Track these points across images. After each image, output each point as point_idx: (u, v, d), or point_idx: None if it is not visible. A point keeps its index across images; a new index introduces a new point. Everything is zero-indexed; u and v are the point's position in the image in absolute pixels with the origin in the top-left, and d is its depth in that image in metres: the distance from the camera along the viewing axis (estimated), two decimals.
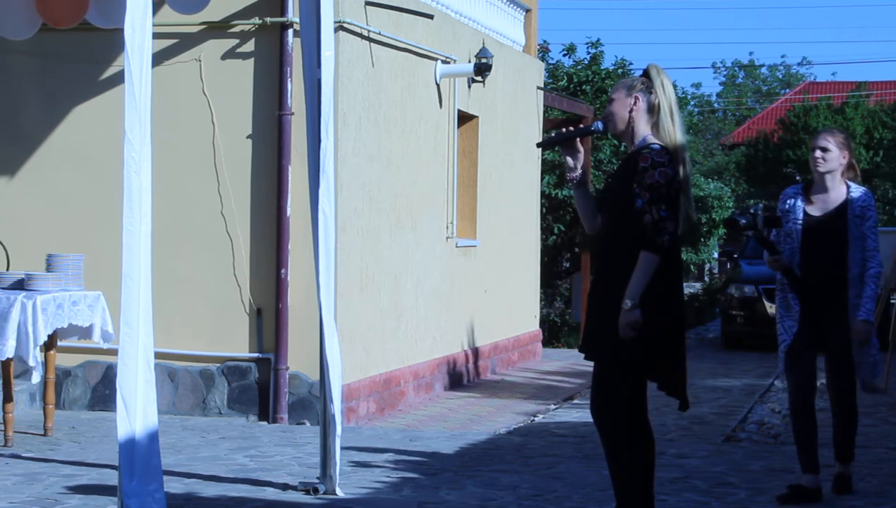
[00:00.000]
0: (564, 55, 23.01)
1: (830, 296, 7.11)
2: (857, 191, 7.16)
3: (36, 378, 8.71)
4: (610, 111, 5.66)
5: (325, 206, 7.16)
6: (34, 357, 8.46)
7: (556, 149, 6.13)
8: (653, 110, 5.59)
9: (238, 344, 10.18)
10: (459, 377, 13.16)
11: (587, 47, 22.26)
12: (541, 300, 17.18)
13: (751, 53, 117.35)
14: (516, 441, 9.44)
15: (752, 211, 7.13)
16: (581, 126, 5.97)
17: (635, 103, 5.59)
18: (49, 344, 9.00)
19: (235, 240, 10.16)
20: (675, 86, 5.72)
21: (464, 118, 13.43)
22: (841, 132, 7.31)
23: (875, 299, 7.13)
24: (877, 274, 7.08)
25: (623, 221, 5.51)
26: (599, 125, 5.79)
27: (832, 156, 7.13)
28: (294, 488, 7.28)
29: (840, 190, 7.16)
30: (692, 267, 32.51)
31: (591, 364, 5.65)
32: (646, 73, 5.65)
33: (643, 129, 5.59)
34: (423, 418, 10.96)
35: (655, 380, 5.58)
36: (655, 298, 5.43)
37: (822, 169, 7.15)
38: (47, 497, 6.95)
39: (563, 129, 5.81)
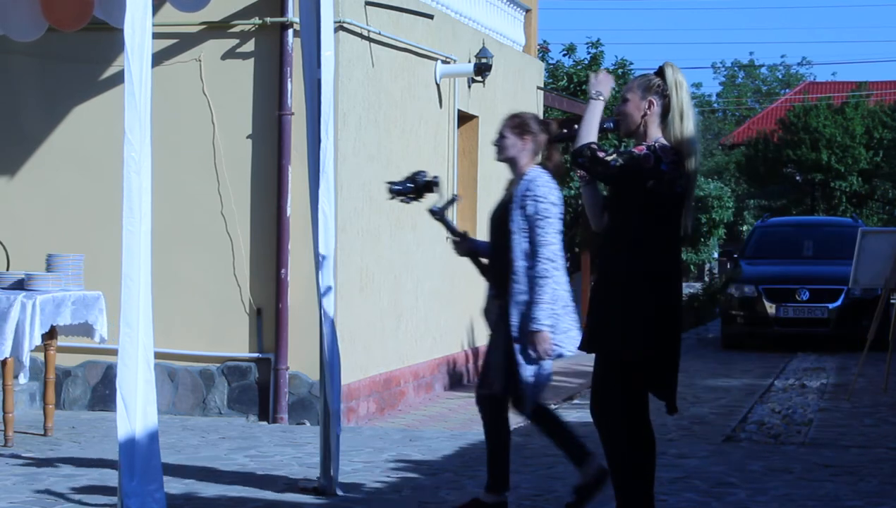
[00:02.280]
0: (564, 55, 23.02)
1: (498, 291, 6.62)
2: (531, 175, 6.59)
3: (23, 379, 8.71)
4: (622, 111, 5.62)
5: (325, 206, 7.16)
6: (27, 357, 8.47)
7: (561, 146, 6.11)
8: (666, 112, 5.56)
9: (238, 344, 10.18)
10: (459, 377, 13.16)
11: (587, 47, 22.31)
12: None
13: (751, 53, 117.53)
14: (516, 442, 9.41)
15: (414, 173, 6.58)
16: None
17: (649, 107, 5.56)
18: (49, 344, 9.00)
19: (235, 240, 10.16)
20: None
21: (464, 118, 13.42)
22: (521, 116, 6.76)
23: (548, 304, 6.38)
24: (543, 273, 6.40)
25: (625, 220, 5.50)
26: (611, 123, 5.77)
27: (508, 143, 6.67)
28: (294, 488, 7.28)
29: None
30: (692, 267, 32.50)
31: (592, 364, 5.65)
32: (661, 73, 5.61)
33: (655, 132, 5.57)
34: (423, 418, 10.96)
35: (651, 382, 5.54)
36: (655, 299, 5.43)
37: (498, 157, 6.72)
38: (47, 497, 6.95)
39: (576, 126, 5.76)
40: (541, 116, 16.34)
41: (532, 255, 6.44)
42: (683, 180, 5.51)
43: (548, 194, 6.52)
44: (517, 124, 6.70)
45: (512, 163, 6.69)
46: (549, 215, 6.48)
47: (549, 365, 6.54)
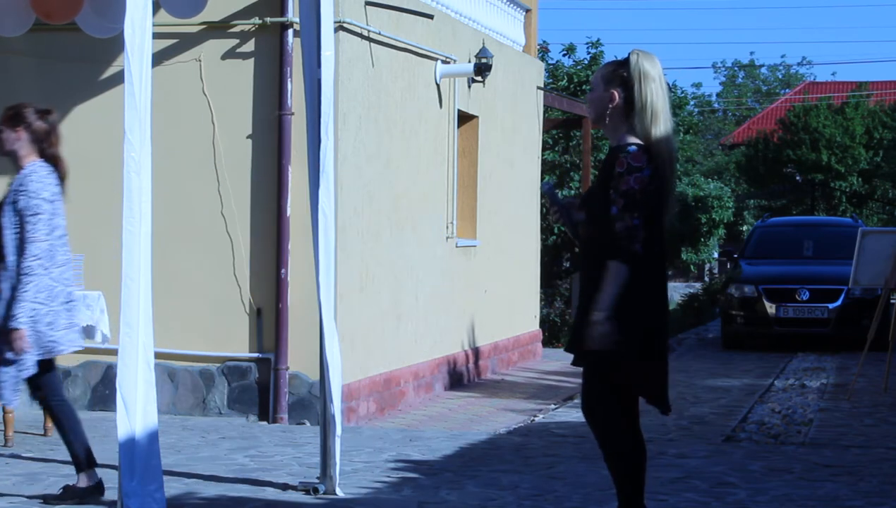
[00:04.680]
0: (564, 55, 23.04)
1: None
2: (28, 169, 6.57)
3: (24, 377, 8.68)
4: (590, 99, 5.44)
5: (325, 206, 7.16)
6: None
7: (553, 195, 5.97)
8: (631, 104, 5.28)
9: (238, 344, 10.18)
10: (459, 377, 13.16)
11: (587, 47, 22.32)
12: (541, 300, 17.18)
13: (751, 53, 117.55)
14: (516, 441, 9.44)
15: None
16: (553, 192, 5.77)
17: (611, 101, 5.31)
18: None
19: (235, 240, 10.15)
20: (669, 84, 5.43)
21: (464, 118, 13.43)
22: (13, 107, 6.67)
23: (30, 302, 6.36)
24: (27, 271, 6.39)
25: (606, 223, 5.31)
26: (547, 187, 5.69)
27: (3, 137, 6.59)
28: (294, 488, 7.28)
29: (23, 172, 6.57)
30: (692, 267, 32.49)
31: None
32: (625, 61, 5.32)
33: (620, 126, 5.33)
34: (423, 418, 10.96)
35: (636, 385, 5.46)
36: (638, 300, 5.34)
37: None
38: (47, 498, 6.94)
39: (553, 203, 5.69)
40: (541, 116, 16.41)
41: (20, 252, 6.47)
42: (664, 172, 5.30)
43: (40, 190, 6.56)
44: (9, 117, 6.67)
45: (13, 156, 6.69)
46: (39, 211, 6.53)
47: (30, 362, 6.53)
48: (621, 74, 5.31)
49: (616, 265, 5.22)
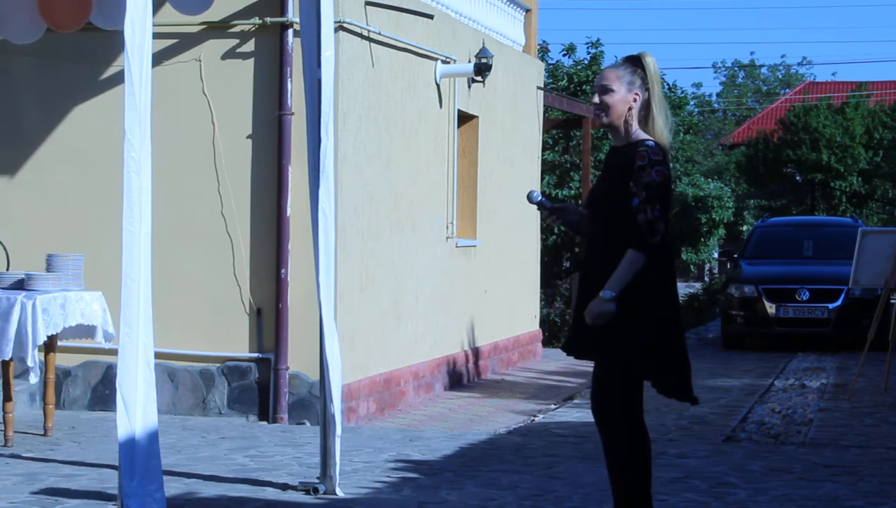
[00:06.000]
0: (564, 55, 23.04)
1: None
2: None
3: (33, 378, 8.70)
4: (606, 104, 5.48)
5: (325, 206, 7.16)
6: (33, 357, 8.45)
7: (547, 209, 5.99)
8: (646, 105, 5.48)
9: (238, 344, 10.18)
10: (459, 377, 13.16)
11: (587, 47, 22.32)
12: (541, 300, 17.18)
13: (751, 53, 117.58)
14: (516, 441, 9.44)
15: None
16: (543, 201, 5.80)
17: (634, 101, 5.47)
18: (49, 345, 8.99)
19: (235, 240, 10.15)
20: (668, 84, 5.63)
21: (464, 118, 13.42)
22: None
23: None
24: None
25: (618, 219, 5.39)
26: (536, 196, 5.72)
27: None
28: (294, 488, 7.28)
29: None
30: (692, 267, 32.50)
31: (591, 364, 5.61)
32: (639, 63, 5.50)
33: (634, 125, 5.49)
34: (423, 418, 10.96)
35: (658, 387, 5.51)
36: (655, 303, 5.37)
37: None
38: (47, 497, 6.95)
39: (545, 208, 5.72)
40: (541, 116, 16.40)
41: None
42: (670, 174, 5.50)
43: None
44: None
45: None
46: None
47: None
48: (641, 76, 5.48)
49: (633, 254, 5.34)
